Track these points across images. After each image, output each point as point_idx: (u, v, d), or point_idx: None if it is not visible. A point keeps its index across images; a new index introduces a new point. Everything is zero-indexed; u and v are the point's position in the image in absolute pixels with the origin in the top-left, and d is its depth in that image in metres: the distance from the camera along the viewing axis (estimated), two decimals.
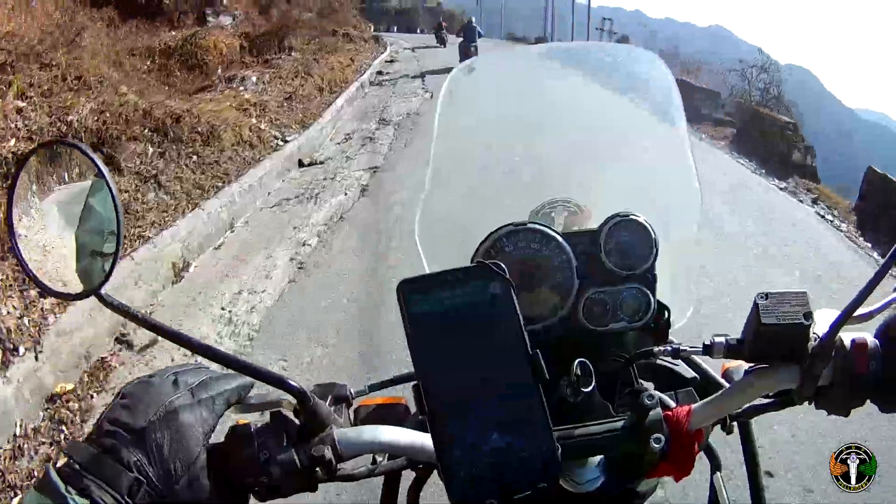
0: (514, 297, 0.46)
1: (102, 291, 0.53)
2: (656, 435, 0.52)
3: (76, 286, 0.54)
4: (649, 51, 0.74)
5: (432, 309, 0.45)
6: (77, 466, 0.45)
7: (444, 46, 16.39)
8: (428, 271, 0.59)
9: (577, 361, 0.56)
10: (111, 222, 0.53)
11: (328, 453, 0.50)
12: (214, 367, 0.55)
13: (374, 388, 0.60)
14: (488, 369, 0.45)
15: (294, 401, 0.54)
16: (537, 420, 0.45)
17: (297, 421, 0.52)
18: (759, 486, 0.68)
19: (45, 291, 0.55)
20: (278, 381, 0.50)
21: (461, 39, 13.51)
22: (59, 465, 0.46)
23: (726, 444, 0.70)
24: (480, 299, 0.46)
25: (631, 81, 0.74)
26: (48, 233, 0.55)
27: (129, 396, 0.50)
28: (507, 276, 0.46)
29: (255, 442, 0.50)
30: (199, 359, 0.57)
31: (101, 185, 0.54)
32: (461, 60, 8.55)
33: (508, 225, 0.65)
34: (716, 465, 0.71)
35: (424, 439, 0.52)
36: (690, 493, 1.77)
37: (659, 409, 0.53)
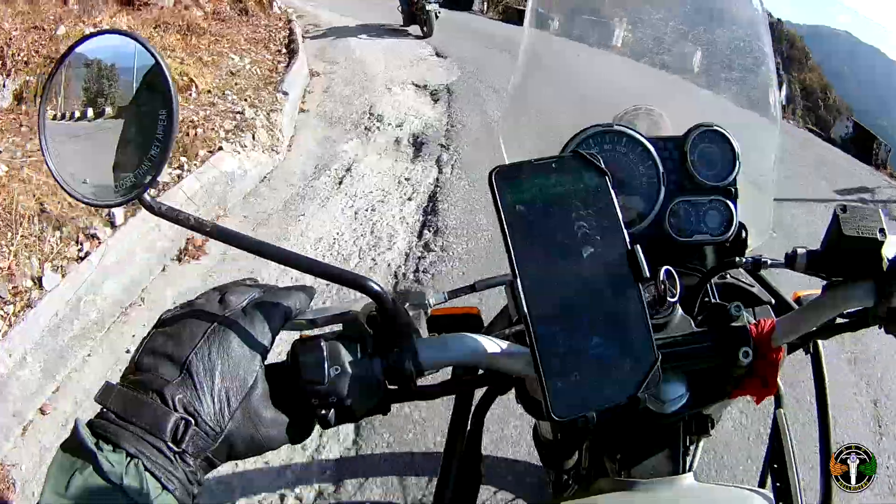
0: (611, 190, 0.43)
1: (147, 196, 0.47)
2: (744, 348, 0.50)
3: (114, 190, 0.48)
4: None
5: (527, 200, 0.42)
6: (112, 415, 0.38)
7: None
8: None
9: (663, 269, 0.53)
10: (155, 122, 0.47)
11: (409, 366, 0.45)
12: (269, 278, 0.49)
13: (453, 294, 0.56)
14: (585, 266, 0.42)
15: (362, 311, 0.49)
16: (637, 325, 0.42)
17: (367, 330, 0.47)
18: (827, 411, 0.67)
19: (78, 199, 0.48)
20: (358, 282, 0.44)
21: None
22: (92, 417, 0.40)
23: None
24: (576, 190, 0.43)
25: (725, 5, 0.71)
26: (86, 133, 0.48)
27: (169, 323, 0.43)
28: (604, 167, 0.43)
29: (324, 355, 0.44)
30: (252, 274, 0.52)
31: (148, 81, 0.48)
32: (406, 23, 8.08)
33: (595, 126, 0.62)
34: (778, 401, 0.70)
35: (514, 349, 0.48)
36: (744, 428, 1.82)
37: (746, 322, 0.52)
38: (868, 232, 0.48)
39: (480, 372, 0.54)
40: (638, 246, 0.43)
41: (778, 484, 0.68)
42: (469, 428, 0.66)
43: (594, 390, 0.41)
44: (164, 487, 0.37)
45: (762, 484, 0.75)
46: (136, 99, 0.48)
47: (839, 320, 0.57)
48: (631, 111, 0.69)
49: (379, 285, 0.45)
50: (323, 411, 0.44)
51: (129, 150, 0.48)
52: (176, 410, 0.39)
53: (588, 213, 0.43)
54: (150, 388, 0.39)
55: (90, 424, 0.39)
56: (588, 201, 0.43)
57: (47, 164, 0.49)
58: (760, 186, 0.71)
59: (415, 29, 8.40)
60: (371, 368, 0.45)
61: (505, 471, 1.71)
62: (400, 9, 8.49)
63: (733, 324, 0.52)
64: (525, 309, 0.41)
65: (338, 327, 0.51)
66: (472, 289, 0.59)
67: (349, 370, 0.44)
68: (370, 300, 0.48)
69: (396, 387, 0.47)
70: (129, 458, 0.37)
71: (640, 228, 0.65)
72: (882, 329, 0.54)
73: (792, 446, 0.68)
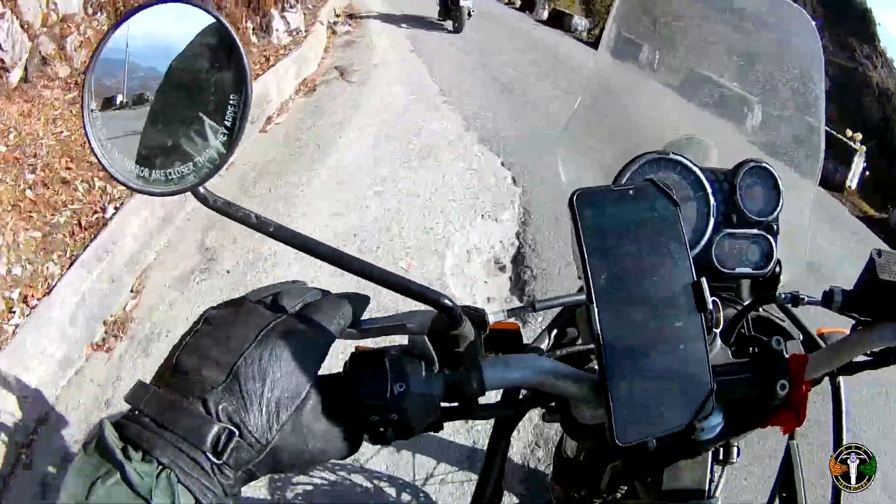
0: (681, 221, 0.44)
1: (201, 189, 0.44)
2: (782, 381, 0.52)
3: (166, 178, 0.44)
4: (804, 11, 0.73)
5: (603, 224, 0.43)
6: (145, 419, 0.35)
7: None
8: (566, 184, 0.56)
9: (710, 299, 0.54)
10: (222, 106, 0.43)
11: (474, 386, 0.44)
12: (326, 283, 0.47)
13: (512, 312, 0.55)
14: (653, 294, 0.43)
15: (419, 324, 0.47)
16: (697, 354, 0.44)
17: (429, 346, 0.45)
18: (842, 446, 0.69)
19: (125, 185, 0.44)
20: (431, 296, 0.42)
21: None
22: (121, 416, 0.36)
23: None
24: (648, 219, 0.44)
25: (777, 35, 0.73)
26: (137, 114, 0.44)
27: (215, 322, 0.40)
28: (675, 198, 0.44)
29: (388, 372, 0.42)
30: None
31: (216, 58, 0.44)
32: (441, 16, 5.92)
33: (651, 153, 0.63)
34: (792, 432, 0.73)
35: (576, 373, 0.48)
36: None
37: (786, 356, 0.53)
38: None
39: (523, 393, 0.54)
40: (704, 278, 0.44)
41: None
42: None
43: (655, 416, 0.42)
44: (199, 502, 0.34)
45: None
46: (203, 77, 0.45)
47: (862, 357, 0.59)
48: (683, 140, 0.71)
49: (452, 301, 0.43)
50: (381, 428, 0.42)
51: (187, 134, 0.44)
52: (219, 420, 0.36)
53: (659, 241, 0.44)
54: (192, 392, 0.36)
55: (118, 426, 0.35)
56: (658, 230, 0.44)
57: (90, 144, 0.45)
58: (797, 225, 0.74)
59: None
60: (434, 386, 0.44)
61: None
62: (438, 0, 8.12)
63: (773, 356, 0.53)
64: (599, 333, 0.41)
65: (390, 340, 0.49)
66: (532, 307, 0.59)
67: (412, 388, 0.42)
68: (425, 313, 0.46)
69: (455, 404, 0.46)
70: (160, 468, 0.34)
71: None
72: None
73: (802, 476, 0.71)
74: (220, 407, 0.36)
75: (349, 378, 0.43)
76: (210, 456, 0.35)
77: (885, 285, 0.50)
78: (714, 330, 0.55)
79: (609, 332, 0.41)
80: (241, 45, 0.42)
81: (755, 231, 0.67)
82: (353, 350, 0.46)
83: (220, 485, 0.35)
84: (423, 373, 0.43)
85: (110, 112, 0.44)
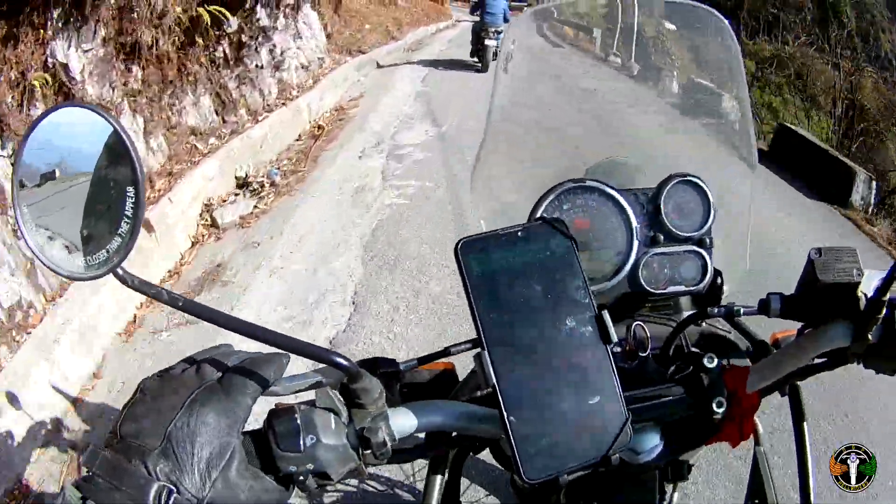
0: (577, 255, 0.45)
1: (120, 270, 0.48)
2: (718, 398, 0.51)
3: (87, 264, 0.49)
4: (717, 13, 0.69)
5: (493, 269, 0.43)
6: (99, 479, 0.40)
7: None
8: (484, 229, 0.56)
9: (634, 325, 0.53)
10: (123, 195, 0.47)
11: (382, 435, 0.46)
12: (247, 346, 0.50)
13: (423, 360, 0.56)
14: (554, 332, 0.44)
15: (335, 378, 0.50)
16: (606, 386, 0.44)
17: (339, 399, 0.48)
18: (806, 456, 0.67)
19: (54, 271, 0.49)
20: (325, 356, 0.45)
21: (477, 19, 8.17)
22: (78, 478, 0.41)
23: None
24: (542, 258, 0.44)
25: (696, 43, 0.70)
26: (57, 206, 0.49)
27: (148, 392, 0.45)
28: (569, 233, 0.45)
29: (299, 426, 0.45)
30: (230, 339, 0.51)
31: (114, 155, 0.48)
32: (474, 54, 6.28)
33: (567, 182, 0.62)
34: (757, 439, 0.71)
35: (485, 413, 0.49)
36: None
37: (719, 372, 0.52)
38: (845, 275, 0.48)
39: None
40: (605, 311, 0.44)
41: None
42: (447, 479, 0.67)
43: (565, 452, 0.43)
44: None
45: None
46: (104, 172, 0.49)
47: (816, 360, 0.56)
48: (604, 163, 0.69)
49: (346, 358, 0.46)
50: (301, 477, 0.46)
51: (100, 224, 0.49)
52: (158, 479, 0.40)
53: (555, 278, 0.44)
54: (134, 456, 0.41)
55: (77, 486, 0.41)
56: (555, 267, 0.45)
57: (24, 238, 0.50)
58: (736, 231, 0.71)
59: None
60: (345, 437, 0.46)
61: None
62: (472, 40, 8.67)
63: (706, 374, 0.52)
64: (493, 380, 0.42)
65: (313, 394, 0.52)
66: (444, 353, 0.60)
67: (323, 440, 0.45)
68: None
69: (371, 451, 0.48)
70: None
71: (614, 282, 0.65)
72: (861, 365, 0.54)
73: (772, 483, 0.69)
74: (158, 468, 0.41)
75: (267, 435, 0.46)
76: None
77: (826, 287, 0.48)
78: (641, 354, 0.55)
79: (505, 375, 0.42)
80: (129, 141, 0.46)
81: (685, 248, 0.65)
82: (274, 406, 0.49)
83: None
84: (333, 425, 0.46)
85: (36, 206, 0.49)
